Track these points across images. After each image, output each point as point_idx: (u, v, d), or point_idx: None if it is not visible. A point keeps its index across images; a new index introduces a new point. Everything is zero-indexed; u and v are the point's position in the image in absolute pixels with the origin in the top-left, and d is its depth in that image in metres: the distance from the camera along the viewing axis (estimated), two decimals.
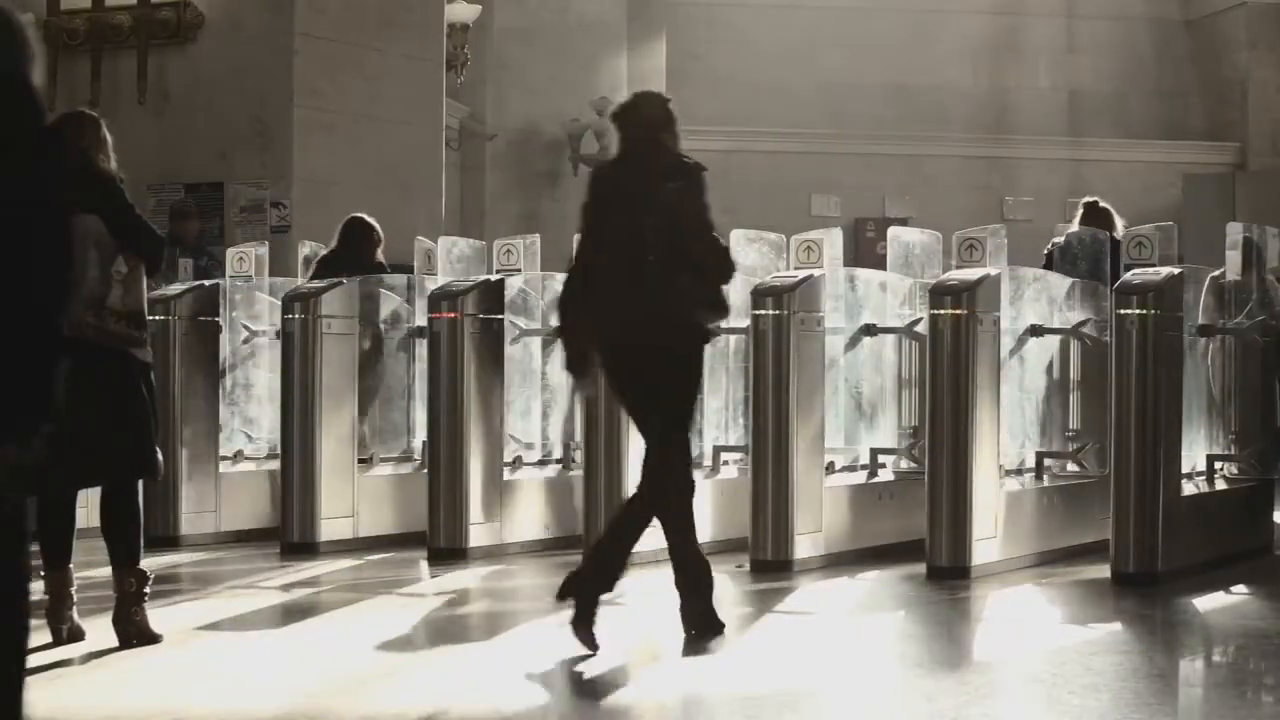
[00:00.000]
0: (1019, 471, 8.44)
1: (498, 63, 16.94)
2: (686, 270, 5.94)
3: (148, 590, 6.05)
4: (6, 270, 2.84)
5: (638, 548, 8.30)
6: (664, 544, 8.49)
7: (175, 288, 9.41)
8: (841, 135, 18.41)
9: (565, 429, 9.31)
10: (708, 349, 6.35)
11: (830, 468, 8.47)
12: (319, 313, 8.92)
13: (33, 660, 5.77)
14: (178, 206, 11.47)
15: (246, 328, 9.79)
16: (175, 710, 5.11)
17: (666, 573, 8.13)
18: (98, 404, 5.86)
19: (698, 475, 8.86)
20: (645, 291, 5.93)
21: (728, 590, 7.84)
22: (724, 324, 8.89)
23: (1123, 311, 7.67)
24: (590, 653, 5.82)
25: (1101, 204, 9.60)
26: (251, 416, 9.82)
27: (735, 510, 8.49)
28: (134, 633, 5.98)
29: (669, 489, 6.01)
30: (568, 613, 5.92)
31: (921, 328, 8.46)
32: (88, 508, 6.58)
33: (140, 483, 6.14)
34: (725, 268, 6.13)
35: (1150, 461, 7.63)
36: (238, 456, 9.69)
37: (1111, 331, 7.75)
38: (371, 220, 9.85)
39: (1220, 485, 8.58)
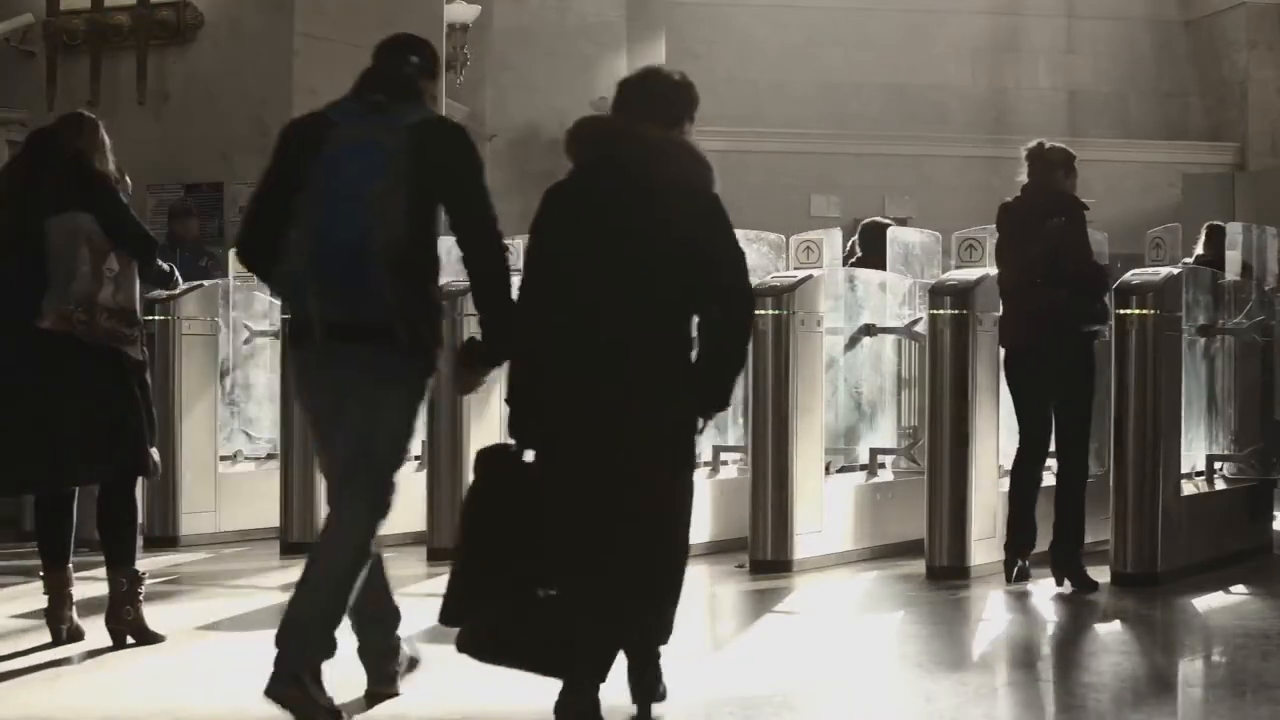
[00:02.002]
0: None
1: (498, 63, 16.93)
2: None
3: (141, 590, 6.04)
4: None
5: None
6: None
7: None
8: (841, 135, 18.40)
9: None
10: None
11: (829, 468, 8.48)
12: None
13: (32, 660, 5.79)
14: (177, 206, 11.46)
15: (247, 327, 9.79)
16: (175, 710, 5.11)
17: None
18: (90, 402, 5.87)
19: (698, 475, 8.88)
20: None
21: (727, 590, 7.84)
22: None
23: (1123, 311, 7.67)
24: None
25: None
26: (251, 416, 9.82)
27: (735, 510, 8.49)
28: (127, 632, 5.97)
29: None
30: None
31: (921, 328, 8.46)
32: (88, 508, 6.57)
33: (139, 482, 6.14)
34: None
35: (1150, 461, 7.63)
36: (237, 456, 9.69)
37: (1112, 331, 7.75)
38: None
39: (1220, 485, 8.58)
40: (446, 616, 4.88)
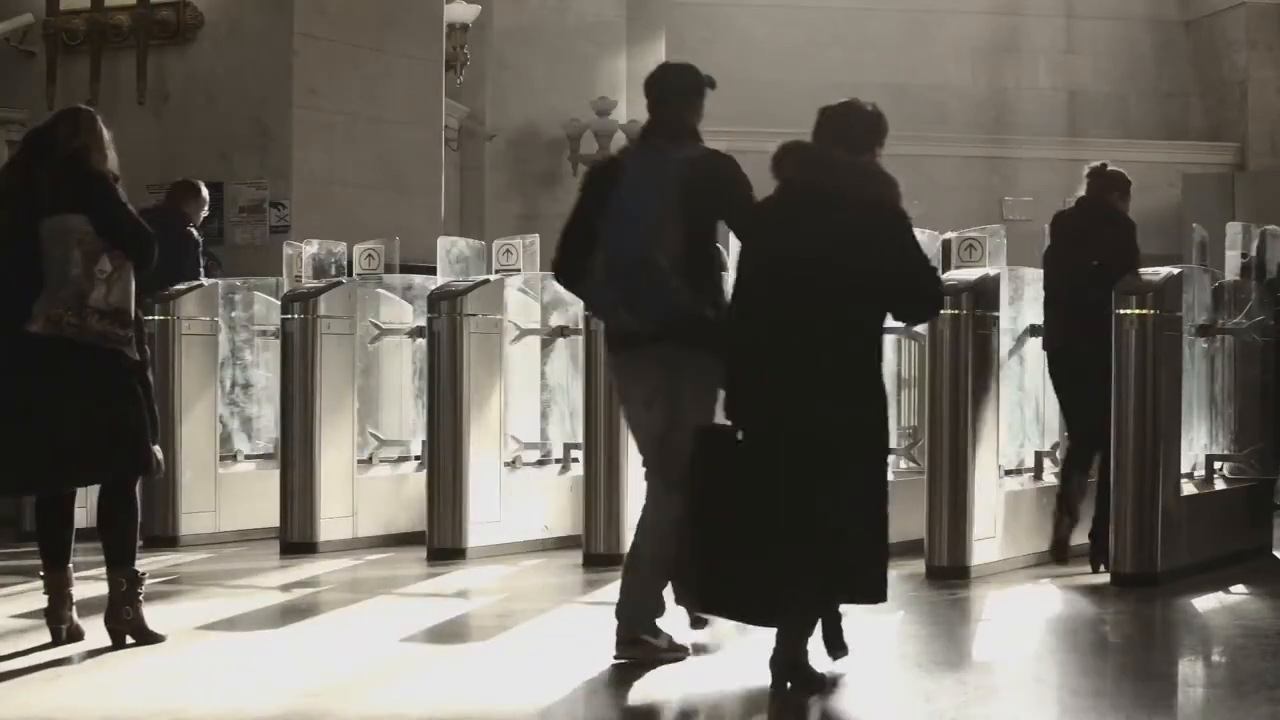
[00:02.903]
0: (1018, 471, 8.44)
1: (497, 63, 16.93)
2: None
3: (141, 590, 6.04)
4: None
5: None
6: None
7: (175, 287, 9.37)
8: None
9: (565, 429, 9.30)
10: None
11: None
12: (318, 313, 8.92)
13: (32, 660, 5.79)
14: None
15: (246, 327, 9.79)
16: (175, 710, 5.11)
17: None
18: (89, 402, 5.87)
19: None
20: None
21: None
22: None
23: (1123, 311, 7.68)
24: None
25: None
26: (251, 416, 9.83)
27: None
28: (126, 632, 5.97)
29: None
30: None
31: (921, 328, 8.44)
32: (87, 508, 6.57)
33: (139, 482, 6.14)
34: None
35: (1150, 461, 7.63)
36: (238, 456, 9.70)
37: (1113, 331, 7.75)
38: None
39: (1220, 485, 8.58)
40: (675, 573, 5.71)
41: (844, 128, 5.60)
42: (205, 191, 10.60)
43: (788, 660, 5.31)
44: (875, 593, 5.42)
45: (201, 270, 10.14)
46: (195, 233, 10.32)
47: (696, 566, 5.45)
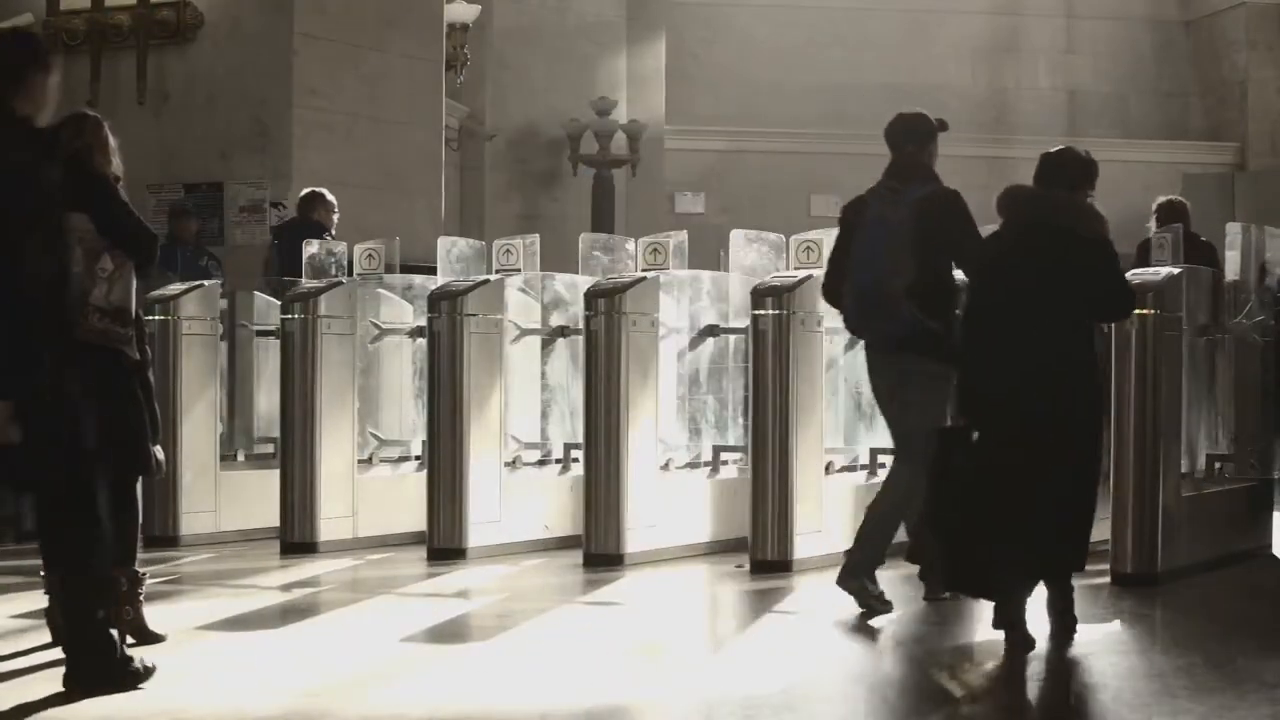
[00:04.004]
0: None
1: (497, 63, 16.94)
2: None
3: (142, 590, 6.04)
4: None
5: (636, 548, 8.33)
6: (661, 544, 8.53)
7: (175, 287, 9.39)
8: (841, 135, 18.40)
9: (565, 429, 9.30)
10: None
11: (830, 467, 8.48)
12: (319, 313, 8.92)
13: (32, 660, 5.79)
14: (176, 206, 11.49)
15: (244, 326, 9.79)
16: (175, 710, 5.11)
17: (667, 573, 8.15)
18: (88, 401, 5.86)
19: (698, 475, 8.90)
20: None
21: (727, 590, 7.84)
22: (724, 324, 8.95)
23: None
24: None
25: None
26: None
27: (735, 510, 8.50)
28: (126, 632, 5.97)
29: None
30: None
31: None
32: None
33: (139, 481, 6.13)
34: None
35: (1150, 461, 7.63)
36: (238, 456, 9.70)
37: (1112, 331, 7.75)
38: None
39: (1220, 485, 8.58)
40: (913, 555, 6.88)
41: (1061, 170, 6.48)
42: (331, 196, 10.77)
43: (1011, 616, 6.13)
44: (1079, 561, 6.31)
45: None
46: (330, 238, 10.57)
47: (940, 550, 6.33)
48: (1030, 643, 6.09)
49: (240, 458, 9.71)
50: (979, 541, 6.12)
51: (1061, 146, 6.67)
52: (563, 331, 9.13)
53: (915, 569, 7.79)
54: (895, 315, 6.68)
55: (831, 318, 8.47)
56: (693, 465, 8.97)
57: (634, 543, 8.25)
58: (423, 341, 9.05)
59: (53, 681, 5.36)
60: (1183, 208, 9.65)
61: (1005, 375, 6.21)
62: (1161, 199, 9.82)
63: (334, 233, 10.81)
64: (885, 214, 6.78)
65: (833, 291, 7.08)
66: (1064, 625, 6.30)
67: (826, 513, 8.24)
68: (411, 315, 9.48)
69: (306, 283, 9.42)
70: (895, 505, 6.86)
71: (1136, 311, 7.65)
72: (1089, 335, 6.49)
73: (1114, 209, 9.83)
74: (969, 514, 6.13)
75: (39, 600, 6.14)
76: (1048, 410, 6.16)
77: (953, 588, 6.69)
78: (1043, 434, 6.14)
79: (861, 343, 8.74)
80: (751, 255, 8.98)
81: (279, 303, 9.36)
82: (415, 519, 8.82)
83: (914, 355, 6.71)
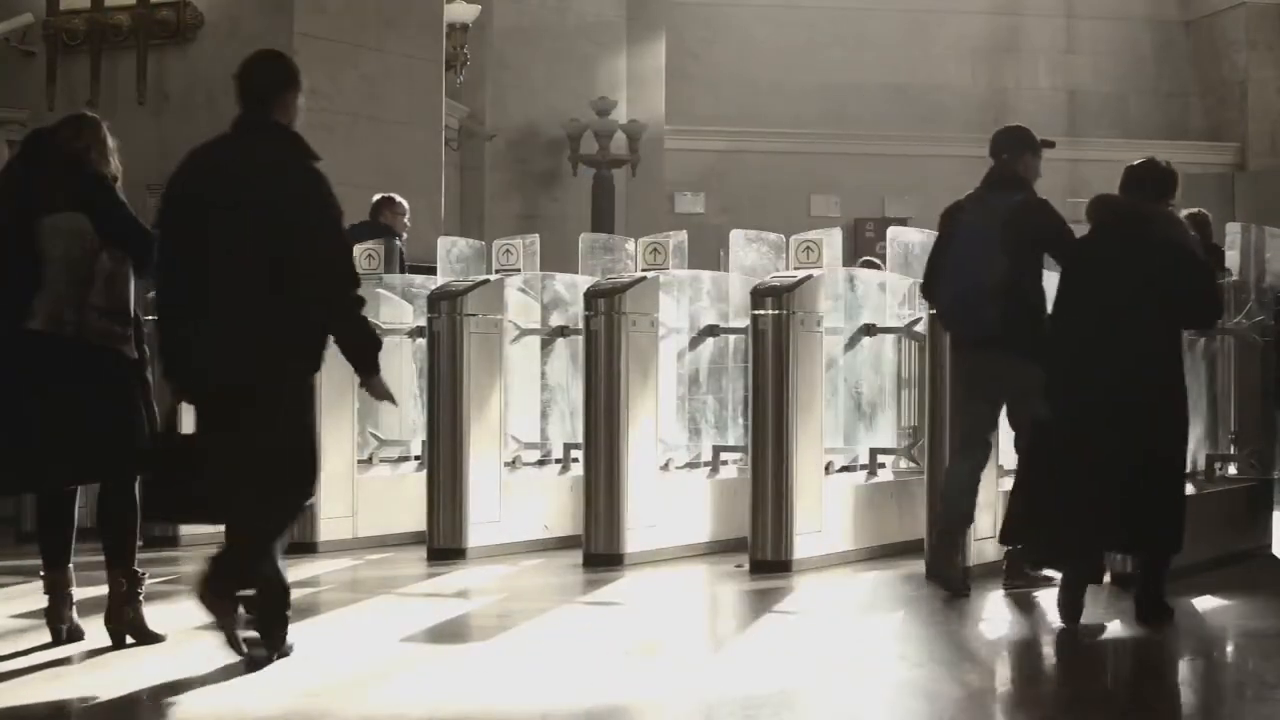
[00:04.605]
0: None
1: (497, 63, 16.93)
2: None
3: (141, 590, 6.04)
4: None
5: (636, 548, 8.33)
6: (661, 544, 8.54)
7: None
8: (841, 135, 18.40)
9: (565, 429, 9.30)
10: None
11: (829, 468, 8.48)
12: None
13: (32, 660, 5.79)
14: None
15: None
16: (175, 710, 5.11)
17: (666, 573, 8.15)
18: (88, 401, 5.87)
19: (697, 475, 8.90)
20: None
21: (727, 590, 7.85)
22: (723, 324, 8.95)
23: None
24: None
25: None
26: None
27: (734, 510, 8.50)
28: (126, 632, 5.97)
29: None
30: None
31: (921, 327, 8.46)
32: (88, 507, 6.56)
33: (138, 481, 6.13)
34: None
35: None
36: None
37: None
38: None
39: (1220, 485, 8.57)
40: (1007, 537, 7.14)
41: (1144, 181, 7.05)
42: (402, 200, 10.94)
43: (1070, 599, 6.64)
44: (1173, 543, 6.77)
45: (405, 273, 10.41)
46: (400, 242, 10.78)
47: (1036, 528, 6.82)
48: (1078, 615, 6.61)
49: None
50: (1070, 513, 6.63)
51: (1145, 159, 7.24)
52: (562, 331, 9.13)
53: (915, 569, 7.80)
54: (986, 314, 7.21)
55: (834, 317, 8.50)
56: (693, 465, 8.97)
57: (634, 543, 8.25)
58: (423, 341, 9.05)
59: (52, 681, 5.37)
60: (1205, 220, 9.89)
61: (1101, 369, 6.68)
62: (1185, 211, 9.72)
63: (404, 236, 10.97)
64: (978, 219, 7.34)
65: (930, 290, 7.62)
66: (1161, 609, 6.71)
67: (826, 513, 8.24)
68: (411, 315, 9.48)
69: None
70: (949, 498, 7.42)
71: None
72: (1177, 333, 6.92)
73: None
74: (1063, 488, 6.64)
75: (39, 600, 6.15)
76: (1141, 403, 6.62)
77: (1043, 561, 7.16)
78: (1136, 423, 6.60)
79: (861, 343, 8.82)
80: (751, 255, 8.98)
81: None
82: (415, 519, 8.82)
83: (1002, 352, 7.21)
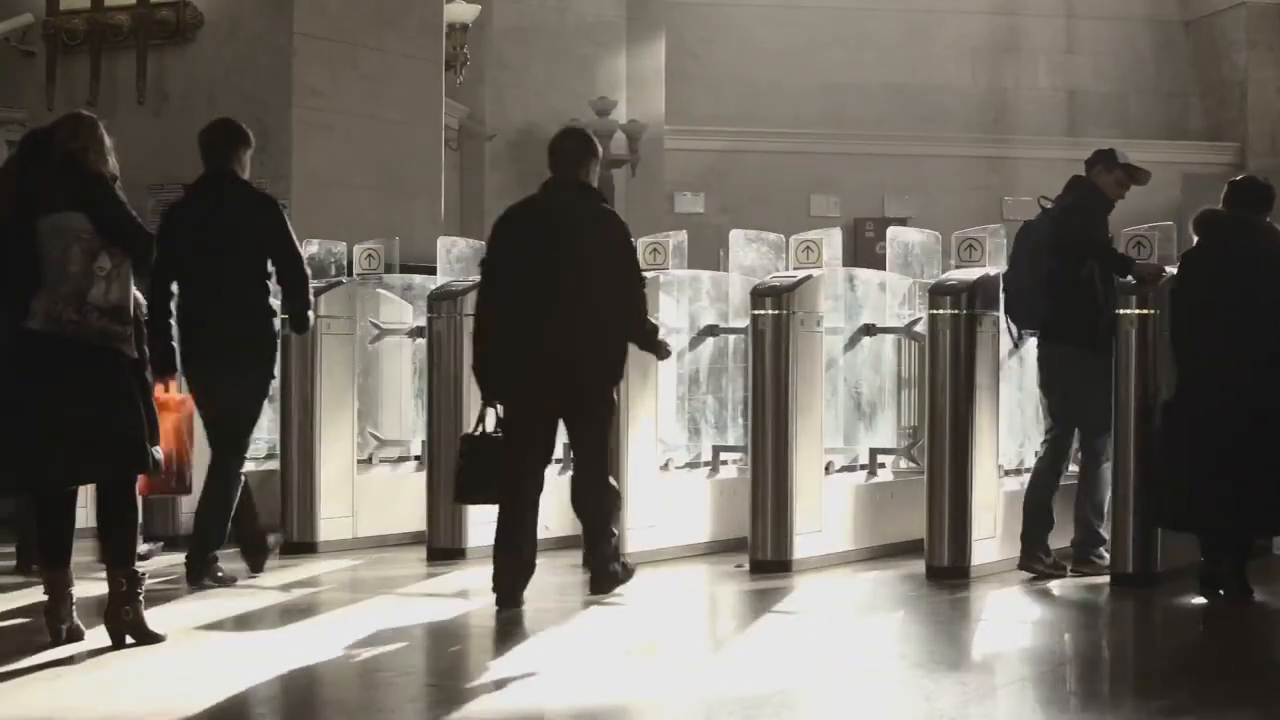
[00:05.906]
0: (1018, 471, 8.44)
1: (497, 63, 16.93)
2: None
3: (140, 590, 6.04)
4: None
5: (636, 548, 8.33)
6: (661, 544, 8.53)
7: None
8: (841, 135, 18.39)
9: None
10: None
11: (829, 467, 8.48)
12: (318, 313, 8.90)
13: (32, 660, 5.79)
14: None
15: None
16: (174, 710, 5.11)
17: (666, 573, 8.15)
18: (89, 400, 5.87)
19: (697, 475, 8.90)
20: None
21: (727, 590, 7.85)
22: (723, 324, 8.95)
23: (1121, 311, 7.70)
24: None
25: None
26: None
27: (734, 510, 8.50)
28: (126, 632, 5.97)
29: None
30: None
31: (921, 327, 8.46)
32: (87, 507, 6.57)
33: (137, 481, 6.14)
34: None
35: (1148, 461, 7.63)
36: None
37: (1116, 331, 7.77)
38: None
39: None
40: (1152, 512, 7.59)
41: (1245, 196, 7.59)
42: None
43: (1210, 573, 7.25)
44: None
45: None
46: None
47: (1161, 497, 7.41)
48: (1250, 596, 7.22)
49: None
50: (1201, 483, 7.23)
51: (1245, 175, 7.97)
52: None
53: (915, 569, 7.81)
54: (1040, 310, 7.85)
55: (834, 317, 8.51)
56: (693, 465, 8.97)
57: (634, 542, 8.25)
58: (423, 341, 9.05)
59: (52, 681, 5.37)
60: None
61: (1220, 361, 7.28)
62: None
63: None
64: (1034, 222, 8.06)
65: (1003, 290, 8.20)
66: (1246, 588, 7.26)
67: (826, 513, 8.24)
68: (411, 315, 9.47)
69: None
70: (1034, 485, 7.88)
71: (1136, 311, 7.69)
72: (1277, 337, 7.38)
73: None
74: (1191, 462, 7.24)
75: (39, 600, 6.15)
76: (1258, 395, 7.21)
77: (1170, 525, 7.53)
78: (1257, 412, 7.20)
79: (861, 343, 8.82)
80: (751, 255, 8.98)
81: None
82: (415, 519, 8.82)
83: (1059, 343, 7.82)
